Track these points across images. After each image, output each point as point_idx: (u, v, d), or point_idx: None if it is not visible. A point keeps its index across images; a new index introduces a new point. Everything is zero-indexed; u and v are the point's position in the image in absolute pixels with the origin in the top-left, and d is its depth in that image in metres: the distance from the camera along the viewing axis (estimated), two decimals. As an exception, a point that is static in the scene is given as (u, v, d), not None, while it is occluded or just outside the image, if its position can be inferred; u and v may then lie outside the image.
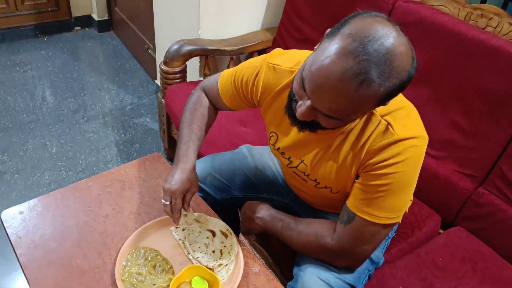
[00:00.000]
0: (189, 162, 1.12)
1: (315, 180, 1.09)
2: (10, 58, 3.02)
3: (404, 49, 0.78)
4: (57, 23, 3.38)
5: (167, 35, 2.31)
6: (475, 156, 1.40)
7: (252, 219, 1.18)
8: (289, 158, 1.13)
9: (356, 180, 0.99)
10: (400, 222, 1.26)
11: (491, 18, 1.42)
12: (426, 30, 1.48)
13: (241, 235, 1.34)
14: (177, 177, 1.08)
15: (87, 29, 3.52)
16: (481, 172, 1.40)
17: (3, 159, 2.17)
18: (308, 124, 0.92)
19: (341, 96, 0.79)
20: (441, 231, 1.46)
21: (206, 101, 1.25)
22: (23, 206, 1.20)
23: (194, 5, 2.01)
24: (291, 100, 0.93)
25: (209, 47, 1.95)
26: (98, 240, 1.12)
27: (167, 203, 1.07)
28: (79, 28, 3.50)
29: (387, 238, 1.21)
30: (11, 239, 1.12)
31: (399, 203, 0.96)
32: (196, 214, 1.16)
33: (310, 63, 0.82)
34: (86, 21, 3.50)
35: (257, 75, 1.10)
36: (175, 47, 1.89)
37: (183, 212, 1.10)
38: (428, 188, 1.48)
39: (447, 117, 1.45)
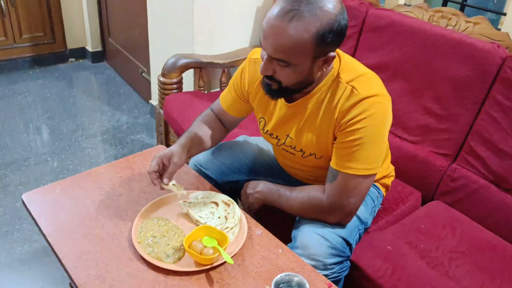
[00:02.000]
0: (177, 144, 1.28)
1: (301, 150, 1.25)
2: (8, 87, 3.16)
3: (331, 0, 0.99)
4: (52, 55, 3.55)
5: (163, 53, 2.49)
6: (447, 136, 1.57)
7: (252, 195, 1.32)
8: (277, 137, 1.29)
9: (334, 142, 1.15)
10: (384, 192, 1.42)
11: (450, 18, 1.64)
12: (397, 31, 1.69)
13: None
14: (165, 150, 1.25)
15: (81, 60, 3.70)
16: (454, 150, 1.57)
17: (6, 173, 2.26)
18: (276, 92, 1.12)
19: (280, 32, 0.98)
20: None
21: (211, 114, 1.42)
22: (42, 190, 1.32)
23: (189, 24, 2.21)
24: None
25: (203, 60, 2.13)
26: (113, 214, 1.23)
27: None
28: (73, 59, 3.67)
29: (373, 206, 1.35)
30: (33, 214, 1.22)
31: (373, 155, 1.11)
32: (183, 188, 1.26)
33: None
34: (80, 52, 3.68)
35: (242, 71, 1.31)
36: (172, 60, 2.07)
37: (172, 183, 1.22)
38: (408, 170, 1.64)
39: (420, 105, 1.64)
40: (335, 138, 1.15)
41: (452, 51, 1.53)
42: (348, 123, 1.09)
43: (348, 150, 1.11)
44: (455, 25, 1.62)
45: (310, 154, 1.24)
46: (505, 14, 1.81)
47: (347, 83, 1.11)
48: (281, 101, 1.23)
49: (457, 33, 1.56)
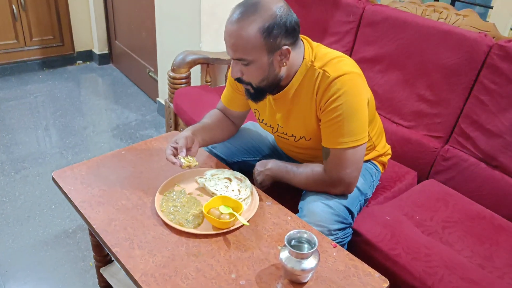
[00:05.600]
0: (185, 130, 1.42)
1: (292, 135, 1.39)
2: (20, 88, 3.30)
3: (271, 0, 1.16)
4: (61, 57, 3.69)
5: (170, 53, 2.63)
6: (440, 120, 1.70)
7: (263, 172, 1.44)
8: (270, 125, 1.44)
9: (320, 124, 1.28)
10: (381, 169, 1.54)
11: (441, 11, 1.78)
12: (392, 25, 1.83)
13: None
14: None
15: (88, 62, 3.84)
16: (446, 133, 1.70)
17: (24, 166, 2.38)
18: (254, 94, 1.29)
19: (233, 34, 1.16)
20: (418, 186, 1.73)
21: (216, 110, 1.56)
22: (70, 168, 1.44)
23: (196, 24, 2.35)
24: None
25: (210, 56, 2.26)
26: (136, 188, 1.35)
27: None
28: (81, 62, 3.81)
29: (371, 180, 1.47)
30: (64, 188, 1.34)
31: (356, 126, 1.23)
32: (194, 160, 1.35)
33: None
34: (87, 55, 3.82)
35: None
36: (181, 56, 2.20)
37: (188, 157, 1.33)
38: (404, 152, 1.76)
39: (414, 92, 1.77)
40: (320, 120, 1.28)
41: (442, 41, 1.66)
42: (326, 103, 1.22)
43: (332, 127, 1.24)
44: (446, 18, 1.76)
45: (301, 138, 1.38)
46: (491, 7, 1.96)
47: (320, 68, 1.24)
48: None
49: (447, 24, 1.70)
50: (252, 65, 1.20)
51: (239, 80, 1.27)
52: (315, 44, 1.31)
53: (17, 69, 3.50)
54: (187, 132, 1.39)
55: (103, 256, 1.58)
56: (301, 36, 1.30)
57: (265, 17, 1.14)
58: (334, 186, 1.30)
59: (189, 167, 1.33)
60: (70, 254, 1.84)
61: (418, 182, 1.72)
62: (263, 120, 1.46)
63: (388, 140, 1.64)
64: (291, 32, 1.18)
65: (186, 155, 1.34)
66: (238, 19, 1.15)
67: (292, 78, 1.28)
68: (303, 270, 1.02)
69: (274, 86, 1.28)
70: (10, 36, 3.38)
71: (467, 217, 1.47)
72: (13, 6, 3.27)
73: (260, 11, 1.14)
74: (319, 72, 1.24)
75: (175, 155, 1.33)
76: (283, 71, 1.24)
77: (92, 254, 1.62)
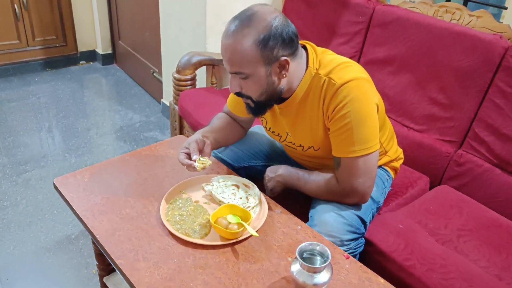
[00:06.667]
0: (198, 132, 1.39)
1: (300, 145, 1.35)
2: (23, 89, 3.26)
3: (266, 12, 1.13)
4: (64, 57, 3.65)
5: (175, 53, 2.59)
6: (452, 124, 1.65)
7: (274, 178, 1.39)
8: (278, 134, 1.40)
9: (328, 133, 1.24)
10: (393, 175, 1.49)
11: (454, 12, 1.72)
12: (403, 26, 1.77)
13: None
14: None
15: (91, 63, 3.80)
16: (459, 137, 1.65)
17: (26, 169, 2.35)
18: (254, 109, 1.26)
19: (229, 48, 1.13)
20: (430, 192, 1.67)
21: (222, 113, 1.53)
22: (72, 174, 1.39)
23: (201, 25, 2.30)
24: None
25: (216, 58, 2.21)
26: (141, 195, 1.31)
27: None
28: (84, 62, 3.78)
29: (383, 187, 1.43)
30: (66, 196, 1.30)
31: (366, 134, 1.18)
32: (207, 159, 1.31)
33: None
34: (90, 55, 3.78)
35: None
36: (186, 57, 2.15)
37: (200, 158, 1.29)
38: (416, 157, 1.71)
39: (426, 95, 1.72)
40: (328, 130, 1.23)
41: (455, 43, 1.61)
42: (334, 112, 1.18)
43: (342, 136, 1.19)
44: (459, 19, 1.71)
45: (309, 148, 1.33)
46: (506, 8, 1.90)
47: (325, 75, 1.20)
48: None
49: (460, 26, 1.64)
50: (250, 79, 1.16)
51: (239, 94, 1.23)
52: (320, 50, 1.26)
53: (19, 70, 3.46)
54: (196, 135, 1.35)
55: (106, 265, 1.54)
56: (305, 42, 1.27)
57: (259, 28, 1.10)
58: (347, 197, 1.25)
59: (204, 168, 1.29)
60: (72, 261, 1.80)
61: (431, 187, 1.67)
62: (270, 128, 1.42)
63: (399, 144, 1.59)
64: (289, 43, 1.14)
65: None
66: (233, 32, 1.11)
67: (296, 89, 1.24)
68: (316, 285, 0.98)
69: (275, 99, 1.24)
70: (12, 36, 3.34)
71: (482, 225, 1.42)
72: (15, 5, 3.24)
73: (255, 22, 1.10)
74: (325, 79, 1.19)
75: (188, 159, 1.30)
76: (283, 83, 1.20)
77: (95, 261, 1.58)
